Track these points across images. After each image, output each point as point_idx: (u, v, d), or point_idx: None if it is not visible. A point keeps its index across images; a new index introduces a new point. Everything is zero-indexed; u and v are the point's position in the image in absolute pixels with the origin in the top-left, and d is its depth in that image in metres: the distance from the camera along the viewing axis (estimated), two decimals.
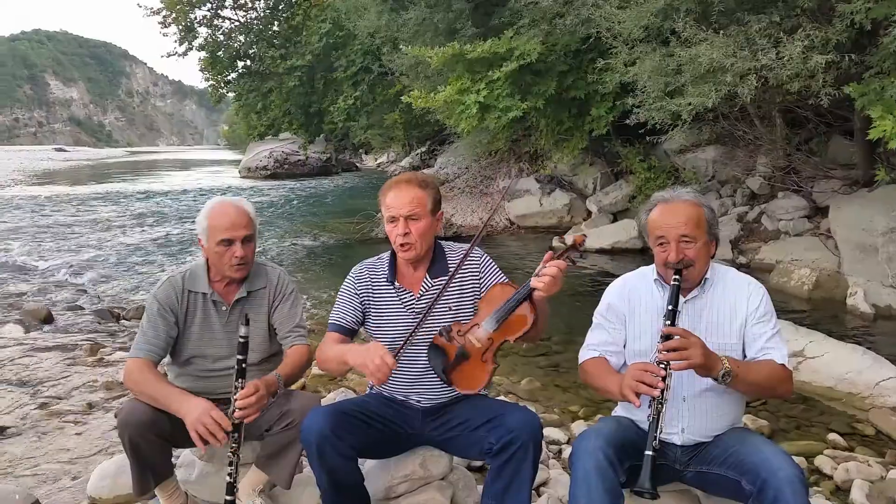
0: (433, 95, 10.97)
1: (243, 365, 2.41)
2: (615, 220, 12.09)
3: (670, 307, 2.06)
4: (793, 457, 3.44)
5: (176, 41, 26.02)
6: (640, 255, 10.61)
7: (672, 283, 2.12)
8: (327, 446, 2.27)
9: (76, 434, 3.91)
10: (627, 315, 2.30)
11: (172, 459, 2.75)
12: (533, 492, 3.00)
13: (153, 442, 2.54)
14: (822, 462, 3.51)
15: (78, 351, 5.59)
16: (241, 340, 2.40)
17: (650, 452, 1.93)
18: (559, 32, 10.41)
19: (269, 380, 2.52)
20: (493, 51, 10.53)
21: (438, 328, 2.46)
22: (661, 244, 2.20)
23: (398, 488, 2.65)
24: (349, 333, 2.58)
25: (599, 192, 13.22)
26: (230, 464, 2.44)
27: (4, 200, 21.26)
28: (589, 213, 12.98)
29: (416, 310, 2.50)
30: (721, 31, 6.79)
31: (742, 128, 10.06)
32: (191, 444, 2.88)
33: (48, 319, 6.63)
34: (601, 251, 10.88)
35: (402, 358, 2.51)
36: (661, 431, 1.96)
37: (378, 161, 39.98)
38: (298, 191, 23.93)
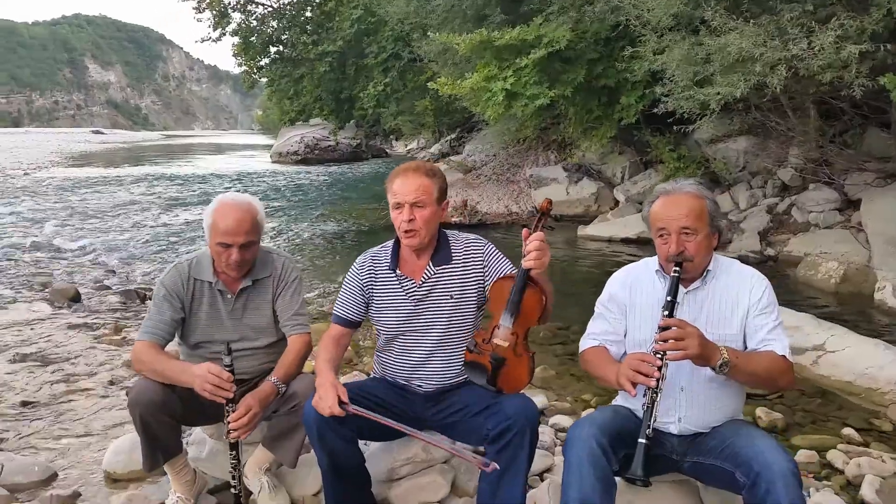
0: (459, 83, 10.94)
1: (234, 393, 2.46)
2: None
3: (669, 298, 2.06)
4: (803, 450, 3.47)
5: (210, 26, 26.26)
6: None
7: (672, 274, 2.11)
8: (327, 429, 2.31)
9: (95, 410, 4.01)
10: (629, 305, 2.30)
11: (182, 438, 2.81)
12: (536, 477, 3.03)
13: (163, 420, 2.60)
14: (834, 456, 3.46)
15: (102, 330, 5.72)
16: (227, 368, 2.46)
17: (643, 441, 1.94)
18: (588, 20, 10.29)
19: (263, 392, 2.56)
20: (522, 38, 10.45)
21: (438, 316, 2.48)
22: (662, 236, 2.19)
23: (401, 470, 2.69)
24: (352, 325, 2.63)
25: (628, 181, 13.08)
26: (233, 477, 2.54)
27: (41, 182, 21.75)
28: (616, 203, 12.86)
29: (417, 297, 2.52)
30: (752, 20, 6.66)
31: (774, 118, 9.86)
32: (198, 423, 2.97)
33: (76, 298, 6.79)
34: (627, 241, 10.78)
35: (404, 345, 2.55)
36: (656, 420, 1.96)
37: (408, 147, 40.04)
38: (327, 176, 24.10)
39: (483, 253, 2.54)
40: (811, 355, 4.79)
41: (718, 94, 6.93)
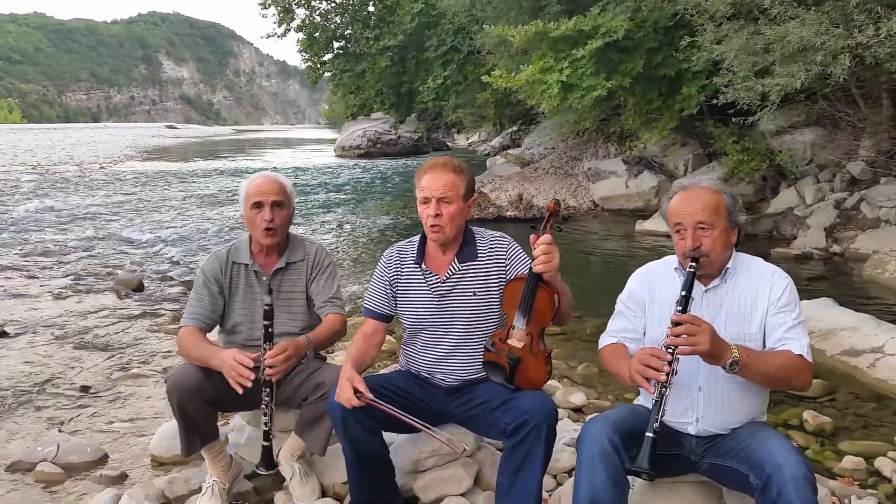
0: (514, 75, 10.88)
1: (269, 329, 2.60)
2: None
3: (683, 293, 2.02)
4: (850, 456, 3.35)
5: (275, 22, 26.86)
6: None
7: (688, 269, 2.08)
8: (350, 418, 2.37)
9: (147, 396, 4.19)
10: (648, 302, 2.27)
11: (219, 424, 2.93)
12: (564, 474, 3.02)
13: (199, 406, 2.71)
14: (882, 464, 3.32)
15: (162, 319, 5.96)
16: (266, 308, 2.60)
17: (650, 434, 1.92)
18: (646, 9, 10.08)
19: (299, 342, 2.69)
20: (578, 28, 10.33)
21: (461, 312, 2.51)
22: (679, 231, 2.16)
23: (426, 462, 2.73)
24: (383, 319, 2.68)
25: (690, 174, 12.75)
26: (264, 414, 2.65)
27: (115, 175, 22.72)
28: None
29: (441, 292, 2.55)
30: (813, 8, 6.41)
31: (843, 109, 9.46)
32: (235, 409, 3.09)
33: (139, 288, 7.09)
34: None
35: (428, 339, 2.58)
36: (663, 415, 1.94)
37: (469, 140, 40.06)
38: (387, 170, 24.36)
39: (506, 251, 2.55)
40: (868, 357, 4.61)
41: (778, 84, 6.69)
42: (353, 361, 2.49)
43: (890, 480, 3.21)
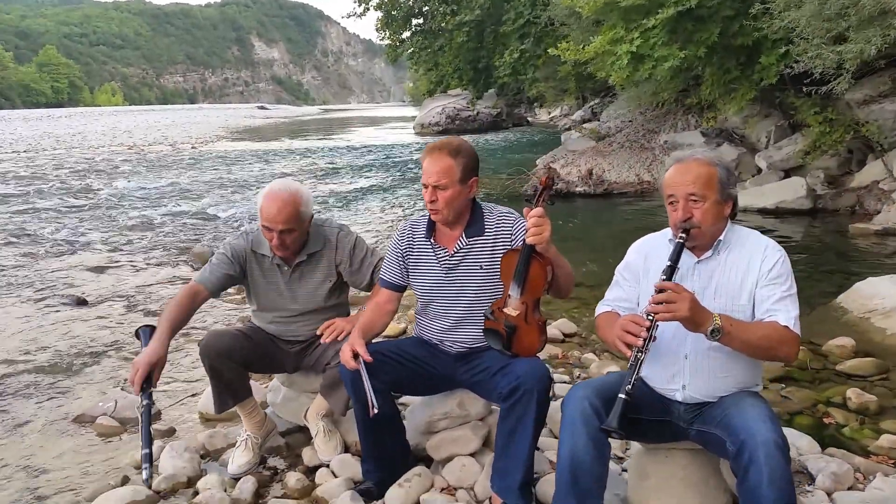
0: (583, 47, 10.71)
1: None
2: (787, 177, 11.16)
3: (669, 263, 2.05)
4: (888, 435, 3.25)
5: (354, 1, 27.24)
6: (809, 216, 9.80)
7: (677, 240, 2.09)
8: (359, 380, 2.51)
9: None
10: (642, 273, 2.29)
11: (262, 386, 3.14)
12: None
13: (230, 368, 2.92)
14: None
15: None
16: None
17: (622, 396, 1.97)
18: None
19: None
20: None
21: (468, 284, 2.61)
22: (672, 203, 2.17)
23: (438, 424, 2.85)
24: (397, 289, 2.80)
25: (772, 146, 12.22)
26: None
27: (205, 154, 23.77)
28: (759, 170, 12.06)
29: (449, 266, 2.65)
30: None
31: None
32: (265, 371, 3.31)
33: None
34: (763, 211, 10.13)
35: (437, 309, 2.70)
36: (637, 378, 1.98)
37: (551, 115, 39.50)
38: None
39: (512, 226, 2.62)
40: None
41: (852, 52, 6.36)
42: (361, 328, 2.63)
43: None
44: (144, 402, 2.58)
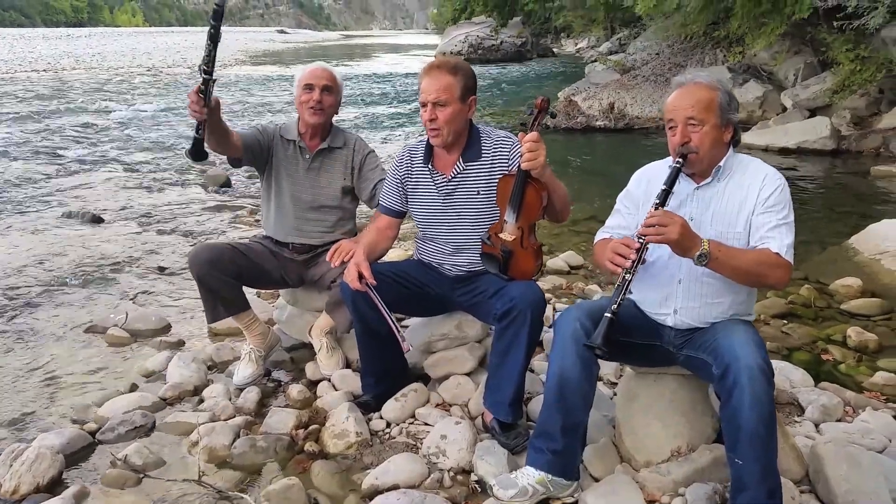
0: None
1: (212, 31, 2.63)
2: (812, 116, 10.89)
3: (664, 187, 2.04)
4: (884, 372, 3.28)
5: None
6: (831, 157, 9.61)
7: (674, 165, 2.07)
8: (359, 298, 2.57)
9: None
10: (642, 200, 2.28)
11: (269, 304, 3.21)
12: None
13: (217, 277, 2.97)
14: None
15: (242, 212, 6.37)
16: (216, 8, 2.62)
17: (608, 315, 2.00)
18: None
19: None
20: None
21: (466, 209, 2.62)
22: (671, 127, 2.14)
23: (437, 344, 2.91)
24: (396, 215, 2.82)
25: (799, 84, 11.88)
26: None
27: (224, 78, 23.52)
28: (784, 108, 11.76)
29: (446, 191, 2.65)
30: None
31: None
32: (262, 286, 3.50)
33: (226, 184, 7.54)
34: (785, 151, 9.94)
35: (437, 234, 2.72)
36: (624, 298, 2.01)
37: (577, 46, 38.51)
38: (487, 77, 23.94)
39: (510, 150, 2.60)
40: None
41: None
42: (365, 248, 2.66)
43: None
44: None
